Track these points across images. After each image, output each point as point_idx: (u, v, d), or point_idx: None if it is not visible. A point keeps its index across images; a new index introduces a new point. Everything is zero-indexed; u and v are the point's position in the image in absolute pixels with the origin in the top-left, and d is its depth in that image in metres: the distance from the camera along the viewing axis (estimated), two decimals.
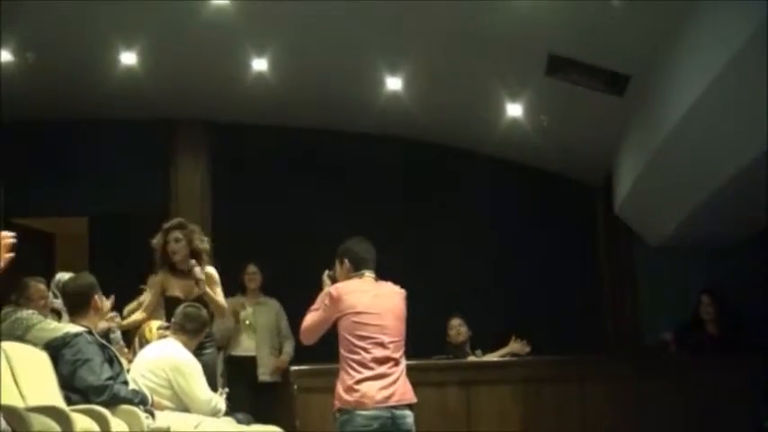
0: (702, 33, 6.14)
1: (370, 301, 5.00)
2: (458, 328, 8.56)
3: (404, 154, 9.66)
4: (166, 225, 7.05)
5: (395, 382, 4.92)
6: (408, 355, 8.42)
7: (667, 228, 8.53)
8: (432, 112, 8.96)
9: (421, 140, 9.63)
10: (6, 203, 9.53)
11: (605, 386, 8.12)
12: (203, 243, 7.05)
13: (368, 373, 4.89)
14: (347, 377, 4.92)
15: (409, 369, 7.86)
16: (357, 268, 5.12)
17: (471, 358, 8.50)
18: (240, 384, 7.89)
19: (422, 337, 8.29)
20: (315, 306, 5.10)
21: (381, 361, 4.93)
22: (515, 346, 8.48)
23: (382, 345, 4.96)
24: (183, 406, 6.01)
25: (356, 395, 4.85)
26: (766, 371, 7.78)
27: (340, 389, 4.92)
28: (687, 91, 6.42)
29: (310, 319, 5.08)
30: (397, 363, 4.99)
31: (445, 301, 8.84)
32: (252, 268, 8.72)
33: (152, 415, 5.29)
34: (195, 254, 6.95)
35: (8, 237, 2.88)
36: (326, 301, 5.01)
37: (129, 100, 8.82)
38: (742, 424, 7.72)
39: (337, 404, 4.92)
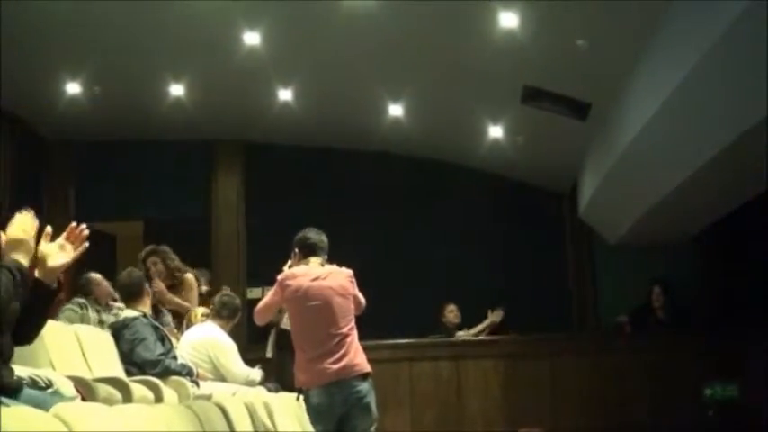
0: (651, 70, 6.16)
1: (313, 284, 4.53)
2: (450, 313, 8.58)
3: (403, 168, 9.64)
4: (142, 254, 6.78)
5: (344, 356, 4.43)
6: (409, 334, 8.45)
7: (622, 229, 8.53)
8: (427, 134, 8.96)
9: (418, 157, 9.62)
10: (77, 209, 9.64)
11: (571, 360, 8.14)
12: (174, 261, 6.86)
13: (317, 352, 4.43)
14: (299, 357, 4.52)
15: (409, 345, 7.95)
16: (305, 255, 4.68)
17: (460, 335, 8.52)
18: (287, 352, 7.84)
19: (421, 319, 8.40)
20: (270, 291, 4.73)
21: (328, 338, 4.44)
22: (492, 315, 8.50)
23: (328, 323, 4.47)
24: (220, 377, 6.03)
25: (308, 374, 4.45)
26: (705, 348, 7.79)
27: (296, 369, 4.56)
28: (638, 118, 6.44)
29: (262, 302, 4.73)
30: (345, 337, 4.48)
31: (440, 290, 8.84)
32: None
33: (197, 384, 5.30)
34: (170, 270, 6.80)
35: (83, 229, 2.95)
36: (276, 287, 4.63)
37: (178, 124, 8.83)
38: (686, 391, 7.74)
39: (297, 383, 4.57)
